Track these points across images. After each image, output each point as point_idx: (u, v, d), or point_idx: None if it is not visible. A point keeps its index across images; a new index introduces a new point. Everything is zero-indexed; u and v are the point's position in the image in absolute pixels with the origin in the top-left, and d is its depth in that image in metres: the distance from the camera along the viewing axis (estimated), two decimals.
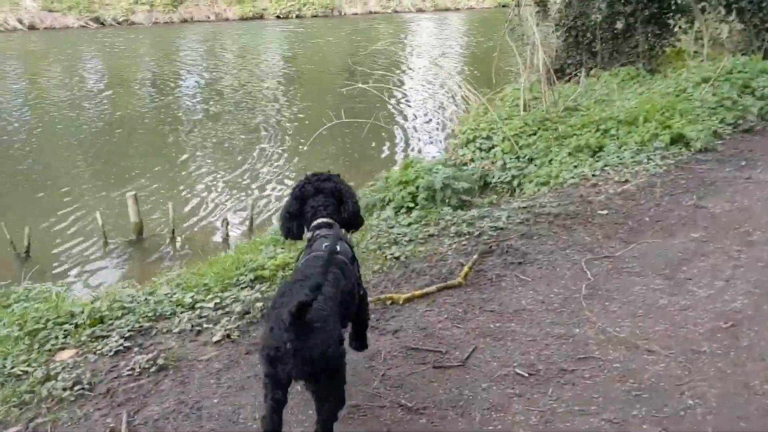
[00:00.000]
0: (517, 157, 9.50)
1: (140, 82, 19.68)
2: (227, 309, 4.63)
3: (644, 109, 9.18)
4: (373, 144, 12.49)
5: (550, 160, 8.85)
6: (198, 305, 4.69)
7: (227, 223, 8.14)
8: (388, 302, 4.69)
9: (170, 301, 4.77)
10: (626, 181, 7.36)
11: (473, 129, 10.60)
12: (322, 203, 3.47)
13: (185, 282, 5.10)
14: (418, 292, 4.80)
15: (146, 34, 29.71)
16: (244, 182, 10.73)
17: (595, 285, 4.98)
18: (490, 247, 5.59)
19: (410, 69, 21.11)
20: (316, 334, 2.71)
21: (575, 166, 8.39)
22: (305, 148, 11.03)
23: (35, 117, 14.82)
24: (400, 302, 4.69)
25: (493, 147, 10.07)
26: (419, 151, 12.90)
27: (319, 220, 3.44)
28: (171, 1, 32.64)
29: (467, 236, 5.84)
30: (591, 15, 14.16)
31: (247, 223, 8.29)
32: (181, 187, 10.39)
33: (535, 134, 9.70)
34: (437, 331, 4.37)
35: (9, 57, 23.65)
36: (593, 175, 7.88)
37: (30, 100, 16.49)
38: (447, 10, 40.43)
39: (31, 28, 28.98)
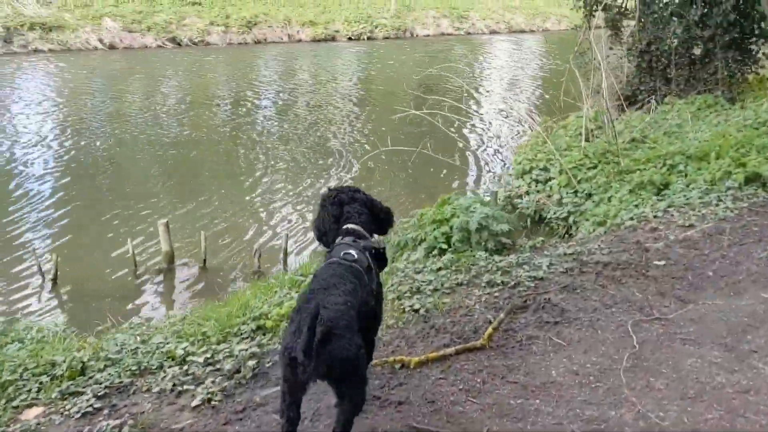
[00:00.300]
0: (575, 192, 8.81)
1: (217, 101, 19.74)
2: (218, 365, 4.17)
3: (717, 143, 8.35)
4: (443, 173, 11.89)
5: (610, 198, 8.14)
6: (189, 358, 4.25)
7: (259, 255, 7.73)
8: (398, 365, 4.14)
9: (161, 352, 4.35)
10: (690, 225, 6.60)
11: (530, 159, 9.96)
12: (357, 210, 3.67)
13: (184, 329, 4.68)
14: (432, 355, 4.23)
15: (221, 54, 30.10)
16: (304, 209, 10.33)
17: (640, 354, 4.30)
18: (525, 301, 4.97)
19: (483, 93, 20.52)
20: (335, 341, 2.83)
21: (636, 206, 7.66)
22: (355, 172, 10.54)
23: (117, 134, 14.98)
24: (411, 366, 4.13)
25: (549, 179, 9.41)
26: (478, 182, 12.29)
27: (349, 226, 3.61)
28: (245, 23, 33.03)
29: (500, 287, 5.23)
30: (666, 39, 13.29)
31: (281, 257, 7.86)
32: (244, 214, 10.03)
33: (595, 167, 8.98)
34: (447, 407, 3.79)
35: (93, 75, 24.23)
36: (655, 217, 7.14)
37: (114, 118, 16.74)
38: (522, 31, 39.60)
39: (111, 47, 29.72)
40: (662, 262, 5.72)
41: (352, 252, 3.41)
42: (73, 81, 22.53)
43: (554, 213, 8.76)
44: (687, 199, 7.46)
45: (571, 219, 8.37)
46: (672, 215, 7.11)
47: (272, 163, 12.65)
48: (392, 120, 10.47)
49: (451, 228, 5.98)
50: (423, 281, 5.25)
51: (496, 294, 5.12)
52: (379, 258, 3.62)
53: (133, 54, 29.50)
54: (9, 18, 28.06)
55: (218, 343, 4.47)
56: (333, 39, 35.56)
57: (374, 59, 29.21)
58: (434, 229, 6.03)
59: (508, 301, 4.99)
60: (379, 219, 3.81)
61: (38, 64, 25.19)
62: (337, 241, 3.57)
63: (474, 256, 5.74)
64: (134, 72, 25.13)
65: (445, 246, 5.98)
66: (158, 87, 22.33)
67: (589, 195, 8.51)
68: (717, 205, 7.10)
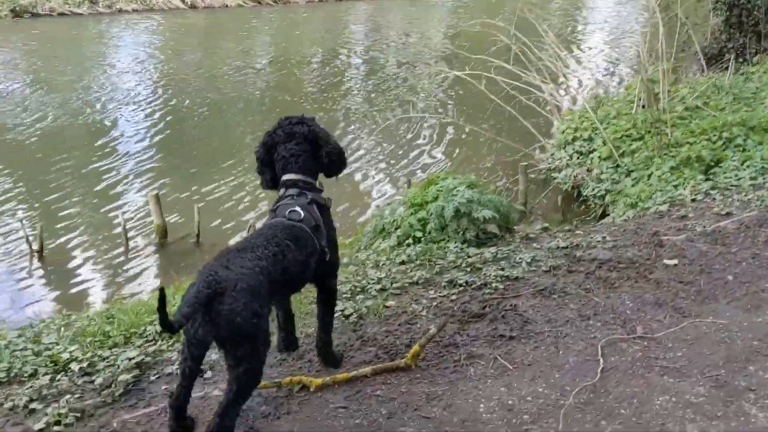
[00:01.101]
0: (616, 167, 7.77)
1: (304, 59, 19.38)
2: (94, 377, 3.62)
3: None
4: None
5: (650, 175, 7.07)
6: (70, 366, 3.72)
7: (253, 228, 7.17)
8: (297, 387, 3.46)
9: (45, 356, 3.84)
10: (728, 213, 5.54)
11: (573, 128, 8.90)
12: (294, 152, 3.30)
13: (85, 327, 4.16)
14: (341, 376, 3.52)
15: (304, 12, 29.63)
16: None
17: (600, 387, 3.45)
18: (484, 308, 4.17)
19: (582, 49, 19.04)
20: (226, 302, 2.72)
21: (675, 186, 6.61)
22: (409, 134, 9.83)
23: (207, 92, 14.99)
24: (312, 389, 3.44)
25: (593, 151, 8.37)
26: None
27: (287, 176, 3.31)
28: None
29: (462, 288, 4.43)
30: None
31: None
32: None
33: (641, 139, 7.86)
34: None
35: (180, 34, 24.31)
36: (693, 201, 6.11)
37: (203, 74, 16.77)
38: None
39: (192, 7, 29.80)
40: (674, 262, 4.75)
41: (298, 209, 3.19)
42: (163, 41, 22.74)
43: (593, 190, 7.77)
44: (737, 179, 6.34)
45: (607, 198, 7.37)
46: (713, 199, 6.05)
47: (357, 127, 11.96)
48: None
49: (428, 213, 5.19)
50: (373, 278, 4.51)
51: (453, 297, 4.32)
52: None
53: (215, 13, 29.48)
54: None
55: (113, 347, 3.92)
56: None
57: (468, 13, 27.48)
58: (411, 214, 5.25)
59: (465, 306, 4.20)
60: (322, 161, 3.38)
61: (125, 24, 25.46)
62: (280, 193, 3.33)
63: (444, 248, 4.94)
64: (222, 31, 25.11)
65: (420, 234, 5.20)
66: (246, 46, 22.02)
67: (630, 171, 7.44)
68: None
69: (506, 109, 9.99)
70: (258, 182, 3.62)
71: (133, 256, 7.36)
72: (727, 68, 12.39)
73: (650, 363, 3.64)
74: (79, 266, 7.31)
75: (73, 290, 6.93)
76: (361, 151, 11.02)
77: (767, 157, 6.49)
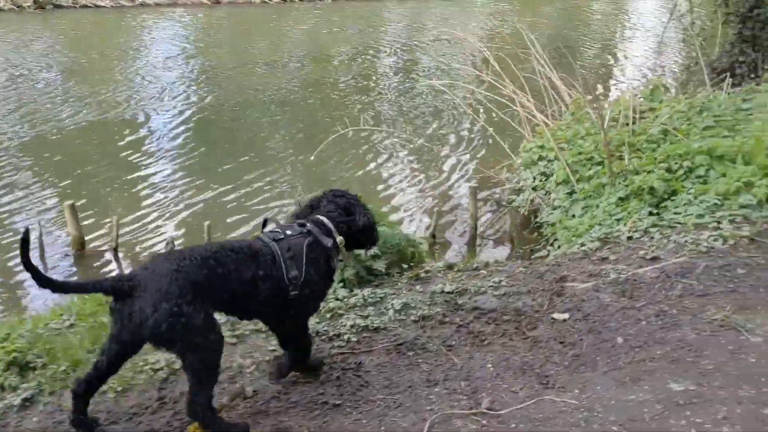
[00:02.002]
0: (571, 192, 7.16)
1: (335, 56, 19.05)
2: None
3: (750, 142, 6.41)
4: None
5: (597, 205, 6.46)
6: None
7: (172, 246, 6.76)
8: None
9: None
10: (655, 258, 4.93)
11: (540, 147, 8.29)
12: (329, 209, 3.50)
13: None
14: None
15: (329, 8, 29.28)
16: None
17: None
18: (320, 365, 3.66)
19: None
20: (136, 300, 2.81)
21: (618, 220, 5.98)
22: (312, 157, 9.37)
23: (241, 85, 14.90)
24: None
25: (553, 174, 7.76)
26: None
27: (315, 216, 3.46)
28: None
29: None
30: None
31: None
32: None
33: (602, 164, 7.23)
34: None
35: (206, 29, 24.21)
36: (629, 238, 5.48)
37: (236, 68, 16.58)
38: None
39: (216, 2, 29.71)
40: (564, 316, 4.18)
41: (281, 232, 3.31)
42: (190, 35, 22.73)
43: (546, 216, 7.19)
44: (685, 216, 5.70)
45: (556, 228, 6.78)
46: (651, 238, 5.43)
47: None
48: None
49: None
50: None
51: None
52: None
53: (239, 9, 29.33)
54: None
55: None
56: None
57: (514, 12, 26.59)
58: None
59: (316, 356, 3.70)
60: (356, 228, 3.56)
61: (152, 17, 25.43)
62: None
63: None
64: (248, 27, 24.98)
65: None
66: (273, 43, 21.73)
67: (583, 199, 6.83)
68: (712, 230, 5.32)
69: (487, 125, 9.45)
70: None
71: (52, 266, 7.02)
72: (738, 85, 11.62)
73: None
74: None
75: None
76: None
77: (722, 192, 5.83)
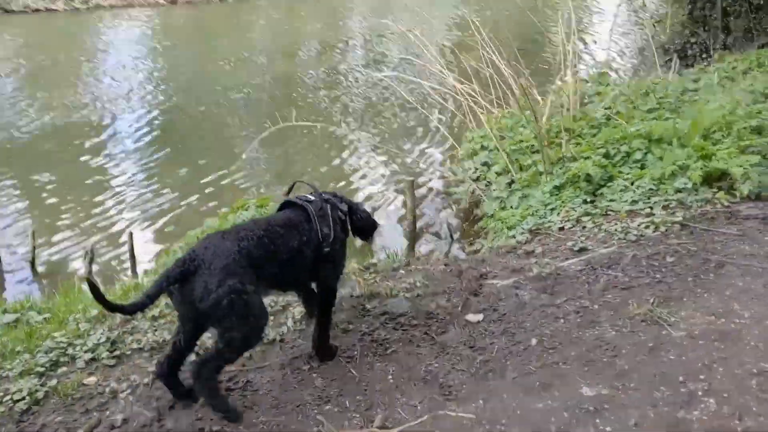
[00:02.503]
0: (510, 183, 6.88)
1: (294, 53, 18.65)
2: None
3: (688, 124, 6.17)
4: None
5: (532, 195, 6.19)
6: None
7: (90, 257, 6.39)
8: None
9: None
10: (582, 249, 4.67)
11: (482, 136, 8.01)
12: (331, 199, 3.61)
13: None
14: None
15: (276, 4, 28.83)
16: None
17: None
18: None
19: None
20: (199, 277, 2.89)
21: (552, 210, 5.72)
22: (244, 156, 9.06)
23: (205, 83, 14.78)
24: None
25: (495, 164, 7.48)
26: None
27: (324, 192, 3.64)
28: None
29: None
30: None
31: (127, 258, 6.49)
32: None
33: (539, 152, 6.96)
34: None
35: (165, 30, 23.75)
36: (560, 229, 5.22)
37: (200, 66, 16.47)
38: None
39: (172, 2, 29.22)
40: (478, 317, 3.90)
41: (310, 196, 3.52)
42: (149, 37, 22.25)
43: (486, 208, 6.90)
44: (619, 203, 5.45)
45: (489, 223, 6.50)
46: (583, 227, 5.17)
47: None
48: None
49: None
50: (92, 342, 3.69)
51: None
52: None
53: (198, 8, 28.82)
54: None
55: None
56: None
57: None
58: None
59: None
60: (354, 224, 3.77)
61: (106, 20, 24.83)
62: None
63: None
64: (208, 26, 24.60)
65: None
66: (235, 41, 21.21)
67: (520, 189, 6.56)
68: (644, 216, 5.07)
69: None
70: None
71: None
72: (690, 65, 11.43)
73: None
74: None
75: None
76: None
77: (657, 176, 5.57)
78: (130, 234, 6.49)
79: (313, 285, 3.62)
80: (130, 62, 17.39)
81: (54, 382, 3.39)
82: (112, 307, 2.87)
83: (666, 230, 4.79)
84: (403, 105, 11.93)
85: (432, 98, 9.35)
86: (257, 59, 17.79)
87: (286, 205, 3.55)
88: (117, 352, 3.62)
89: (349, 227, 3.72)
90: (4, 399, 3.22)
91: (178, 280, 2.89)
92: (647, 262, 4.38)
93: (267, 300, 3.95)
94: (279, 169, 9.51)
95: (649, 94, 8.25)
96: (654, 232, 4.79)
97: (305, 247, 3.32)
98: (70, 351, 3.62)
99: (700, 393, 3.14)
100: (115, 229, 7.72)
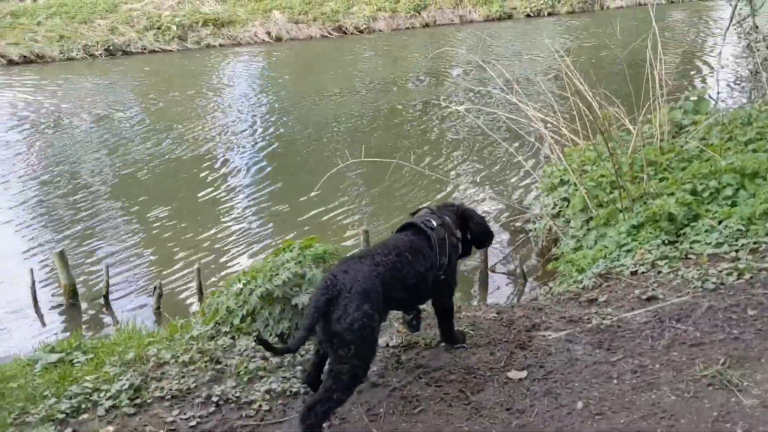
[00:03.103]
0: (588, 220, 6.45)
1: (405, 82, 18.88)
2: None
3: None
4: None
5: (605, 235, 5.75)
6: None
7: (160, 292, 6.43)
8: None
9: None
10: (650, 298, 4.22)
11: (562, 170, 7.59)
12: (445, 212, 3.80)
13: None
14: None
15: (388, 39, 29.16)
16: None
17: None
18: None
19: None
20: (336, 308, 3.04)
21: (628, 251, 5.27)
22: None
23: (314, 116, 15.05)
24: None
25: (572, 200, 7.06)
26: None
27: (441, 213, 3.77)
28: (414, 6, 31.89)
29: (215, 409, 3.44)
30: None
31: (195, 291, 6.50)
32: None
33: (623, 187, 6.49)
34: None
35: (275, 65, 24.51)
36: (633, 273, 4.78)
37: (308, 100, 16.78)
38: None
39: (277, 39, 30.04)
40: (521, 375, 3.55)
41: (433, 221, 3.63)
42: (258, 72, 23.04)
43: (563, 247, 6.49)
44: (702, 245, 4.95)
45: (561, 261, 6.09)
46: (659, 272, 4.71)
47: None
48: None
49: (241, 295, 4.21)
50: (120, 385, 3.59)
51: (194, 423, 3.34)
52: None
53: (302, 44, 29.58)
54: (187, 15, 29.30)
55: None
56: (510, 17, 33.32)
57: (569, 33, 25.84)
58: (240, 296, 4.28)
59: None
60: (472, 231, 3.90)
61: (217, 58, 25.85)
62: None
63: (233, 345, 3.96)
64: (316, 60, 25.21)
65: (238, 322, 4.21)
66: (343, 73, 21.68)
67: (596, 227, 6.12)
68: (732, 260, 4.56)
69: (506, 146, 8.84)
70: None
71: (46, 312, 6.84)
72: None
73: None
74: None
75: None
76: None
77: (747, 215, 5.01)
78: (198, 269, 6.47)
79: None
80: (253, 96, 18.00)
81: (70, 430, 3.30)
82: (280, 351, 3.21)
83: (751, 277, 4.27)
84: (512, 135, 11.58)
85: (515, 129, 9.00)
86: (362, 91, 17.97)
87: (407, 227, 3.65)
88: (138, 400, 3.50)
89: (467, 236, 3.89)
90: None
91: (326, 308, 3.03)
92: (724, 315, 3.90)
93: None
94: (382, 203, 9.37)
95: (751, 123, 7.58)
96: (737, 279, 4.28)
97: (428, 272, 3.47)
98: (94, 397, 3.53)
99: None
100: (209, 260, 7.74)
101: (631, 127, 7.87)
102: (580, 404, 3.26)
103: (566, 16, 33.10)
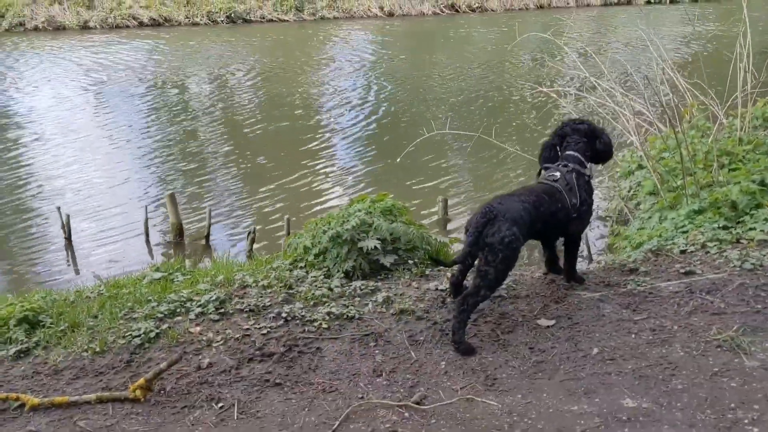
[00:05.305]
0: (655, 203, 6.71)
1: (516, 63, 19.30)
2: None
3: None
4: None
5: (671, 217, 6.02)
6: None
7: (253, 237, 7.18)
8: (15, 403, 3.41)
9: None
10: (688, 272, 4.55)
11: (639, 156, 7.80)
12: (575, 140, 4.39)
13: None
14: (61, 399, 3.41)
15: (502, 19, 29.16)
16: None
17: None
18: (290, 348, 3.80)
19: None
20: (493, 224, 3.77)
21: (684, 233, 5.55)
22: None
23: (420, 92, 15.75)
24: (27, 408, 3.38)
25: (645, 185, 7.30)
26: None
27: (567, 153, 4.37)
28: None
29: (283, 322, 4.08)
30: None
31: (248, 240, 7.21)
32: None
33: (693, 174, 6.70)
34: None
35: (386, 40, 25.12)
36: (682, 252, 5.09)
37: (416, 76, 17.54)
38: None
39: (390, 14, 30.59)
40: (550, 323, 4.00)
41: (556, 174, 4.23)
42: (370, 46, 23.74)
43: (630, 229, 6.78)
44: (756, 232, 5.18)
45: (617, 238, 6.41)
46: (707, 252, 5.00)
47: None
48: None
49: (315, 238, 4.81)
50: (208, 298, 4.29)
51: (265, 331, 3.98)
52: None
53: (413, 20, 30.00)
54: None
55: None
56: (628, 2, 32.59)
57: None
58: (315, 237, 4.89)
59: (266, 342, 3.86)
60: (596, 150, 4.42)
61: (331, 30, 26.73)
62: (557, 164, 4.33)
63: (304, 277, 4.57)
64: (427, 37, 25.54)
65: (312, 259, 4.82)
66: (454, 51, 22.07)
67: (660, 210, 6.38)
68: None
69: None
70: None
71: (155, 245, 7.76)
72: None
73: None
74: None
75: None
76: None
77: None
78: (288, 219, 7.16)
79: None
80: (366, 67, 18.82)
81: (166, 326, 4.01)
82: (449, 263, 4.10)
83: None
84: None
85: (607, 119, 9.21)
86: (471, 69, 18.31)
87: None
88: (222, 310, 4.18)
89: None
90: (126, 334, 3.89)
91: (483, 228, 3.76)
92: (754, 292, 4.19)
93: (358, 283, 4.37)
94: (484, 176, 9.90)
95: None
96: None
97: (560, 212, 4.12)
98: (187, 305, 4.24)
99: (746, 421, 3.05)
100: (300, 208, 8.51)
101: (723, 119, 7.99)
102: (595, 350, 3.69)
103: (690, 5, 31.94)
